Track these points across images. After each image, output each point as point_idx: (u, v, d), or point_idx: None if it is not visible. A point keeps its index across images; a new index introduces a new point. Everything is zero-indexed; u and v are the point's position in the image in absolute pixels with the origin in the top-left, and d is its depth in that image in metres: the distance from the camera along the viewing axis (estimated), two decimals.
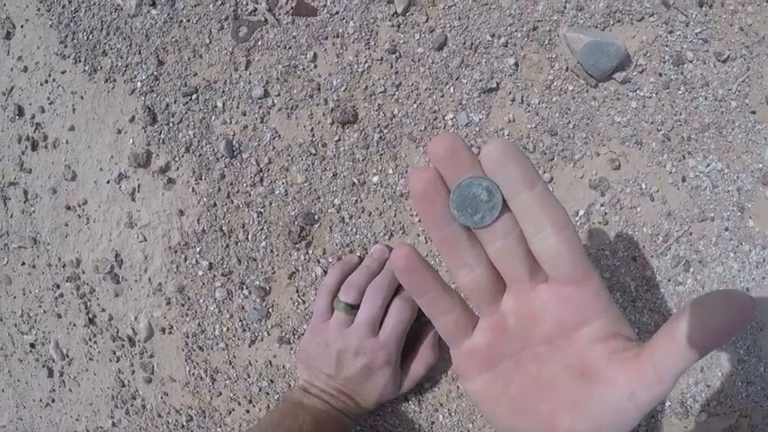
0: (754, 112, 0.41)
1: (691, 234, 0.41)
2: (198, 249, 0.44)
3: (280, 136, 0.43)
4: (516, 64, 0.41)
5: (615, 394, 0.20)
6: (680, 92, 0.41)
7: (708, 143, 0.41)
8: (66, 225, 0.46)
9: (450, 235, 0.21)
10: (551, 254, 0.20)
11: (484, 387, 0.23)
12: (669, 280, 0.41)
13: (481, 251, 0.21)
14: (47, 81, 0.46)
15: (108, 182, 0.45)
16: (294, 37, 0.42)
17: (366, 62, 0.41)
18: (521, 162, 0.19)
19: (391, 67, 0.41)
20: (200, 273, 0.44)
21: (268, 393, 0.44)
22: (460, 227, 0.21)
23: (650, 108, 0.41)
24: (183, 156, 0.44)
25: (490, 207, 0.20)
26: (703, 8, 0.41)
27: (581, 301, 0.21)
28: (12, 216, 0.48)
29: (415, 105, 0.41)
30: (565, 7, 0.40)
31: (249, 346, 0.44)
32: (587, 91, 0.41)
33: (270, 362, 0.44)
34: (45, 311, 0.48)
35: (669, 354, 0.19)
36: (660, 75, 0.41)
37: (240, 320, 0.44)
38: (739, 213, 0.41)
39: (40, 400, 0.50)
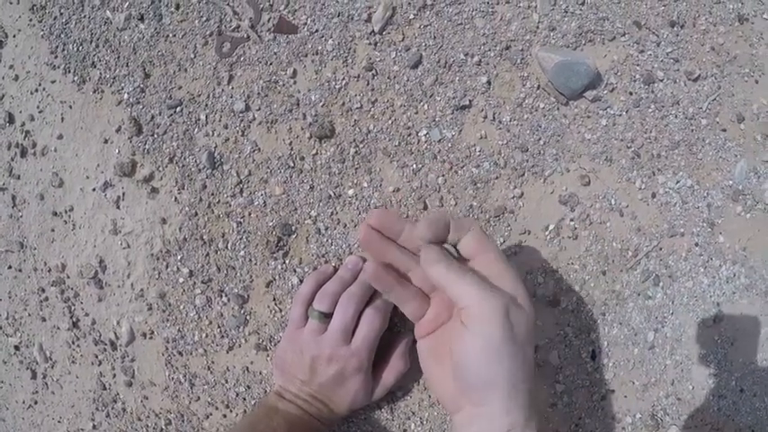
0: (724, 130, 0.42)
1: (660, 249, 0.42)
2: (179, 257, 0.45)
3: (260, 149, 0.44)
4: (489, 82, 0.42)
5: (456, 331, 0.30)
6: (650, 110, 0.42)
7: (678, 160, 0.42)
8: (53, 230, 0.48)
9: (396, 254, 0.34)
10: (467, 244, 0.32)
11: (426, 349, 0.34)
12: (639, 294, 0.42)
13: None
14: (37, 90, 0.47)
15: (94, 189, 0.46)
16: (275, 53, 0.43)
17: (344, 79, 0.43)
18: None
19: (368, 84, 0.43)
20: (181, 280, 0.45)
21: (245, 399, 0.45)
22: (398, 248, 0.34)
23: (620, 126, 0.42)
24: (166, 166, 0.45)
25: None
26: (675, 28, 0.42)
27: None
28: None
29: (390, 121, 0.43)
30: (537, 27, 0.42)
31: (227, 352, 0.45)
32: (558, 109, 0.42)
33: (247, 368, 0.45)
34: (30, 314, 0.49)
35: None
36: (631, 93, 0.42)
37: (219, 327, 0.45)
38: (709, 229, 0.42)
39: (23, 402, 0.50)
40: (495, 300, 0.28)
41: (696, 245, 0.42)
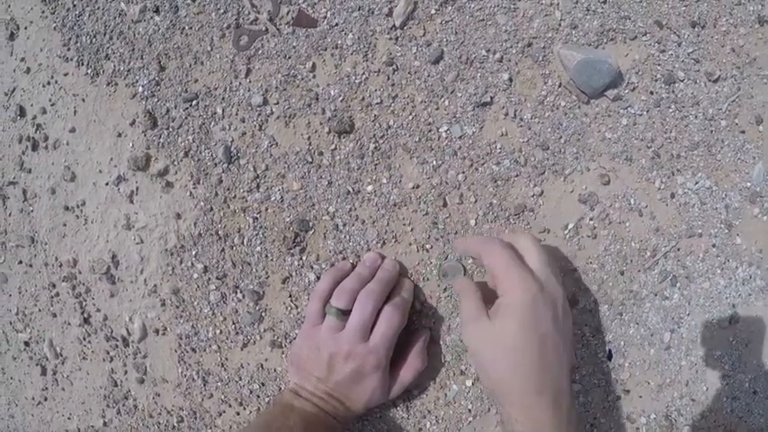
0: (743, 132, 0.42)
1: (678, 250, 0.42)
2: (193, 252, 0.45)
3: (277, 143, 0.43)
4: (510, 79, 0.42)
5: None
6: (670, 110, 0.42)
7: (697, 161, 0.42)
8: (64, 225, 0.47)
9: None
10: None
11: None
12: (656, 294, 0.42)
13: None
14: (49, 83, 0.46)
15: (107, 184, 0.46)
16: (294, 47, 0.43)
17: (364, 74, 0.42)
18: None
19: (388, 79, 0.42)
20: (195, 275, 0.45)
21: (259, 396, 0.45)
22: None
23: (641, 125, 0.42)
24: (181, 160, 0.44)
25: (457, 271, 0.39)
26: (696, 29, 0.42)
27: None
28: (10, 215, 0.49)
29: (410, 117, 0.42)
30: (559, 25, 0.41)
31: (241, 349, 0.45)
32: (579, 107, 0.42)
33: (261, 365, 0.45)
34: (40, 310, 0.49)
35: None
36: (651, 93, 0.42)
37: (233, 323, 0.45)
38: (727, 230, 0.42)
39: (33, 398, 0.50)
40: (525, 292, 0.31)
41: (713, 246, 0.42)
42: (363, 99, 0.42)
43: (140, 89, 0.44)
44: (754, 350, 0.43)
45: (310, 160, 0.43)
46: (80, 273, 0.47)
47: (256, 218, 0.44)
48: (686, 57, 0.41)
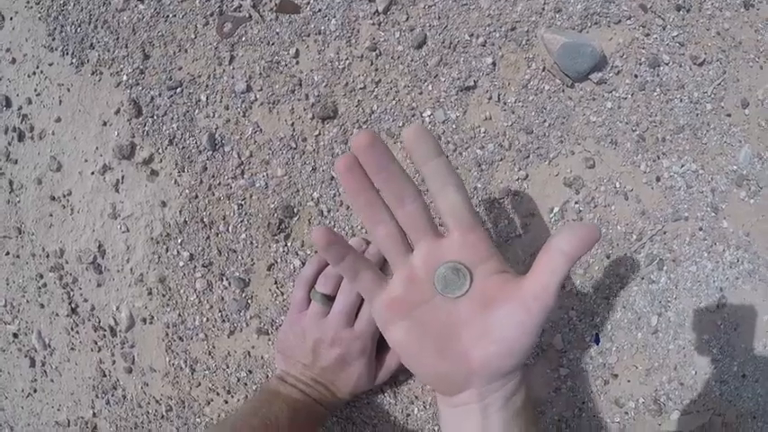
0: (729, 115, 0.42)
1: (665, 233, 0.42)
2: (179, 240, 0.44)
3: (261, 130, 0.43)
4: (494, 63, 0.42)
5: (513, 310, 0.27)
6: (655, 93, 0.42)
7: (683, 144, 0.42)
8: (51, 215, 0.47)
9: (371, 198, 0.28)
10: (455, 207, 0.28)
11: (405, 334, 0.29)
12: (643, 278, 0.42)
13: (390, 214, 0.29)
14: (34, 73, 0.46)
15: (92, 173, 0.46)
16: (277, 33, 0.43)
17: (347, 59, 0.42)
18: (429, 138, 0.27)
19: (371, 64, 0.42)
20: (182, 264, 0.45)
21: (246, 384, 0.45)
22: (375, 193, 0.28)
23: (625, 109, 0.42)
24: (166, 148, 0.44)
25: (462, 278, 0.29)
26: (681, 12, 0.42)
27: (476, 245, 0.29)
28: None
29: (393, 102, 0.42)
30: (543, 8, 0.41)
31: (228, 337, 0.45)
32: (563, 91, 0.42)
33: (248, 352, 0.44)
34: (28, 301, 0.48)
35: (547, 266, 0.27)
36: (636, 76, 0.41)
37: (220, 311, 0.44)
38: (713, 214, 0.42)
39: (22, 391, 0.50)
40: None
41: (700, 229, 0.42)
42: (347, 84, 0.42)
43: (125, 78, 0.44)
44: (742, 334, 0.43)
45: (294, 146, 0.43)
46: (67, 263, 0.47)
47: (241, 205, 0.44)
48: (671, 40, 0.41)
